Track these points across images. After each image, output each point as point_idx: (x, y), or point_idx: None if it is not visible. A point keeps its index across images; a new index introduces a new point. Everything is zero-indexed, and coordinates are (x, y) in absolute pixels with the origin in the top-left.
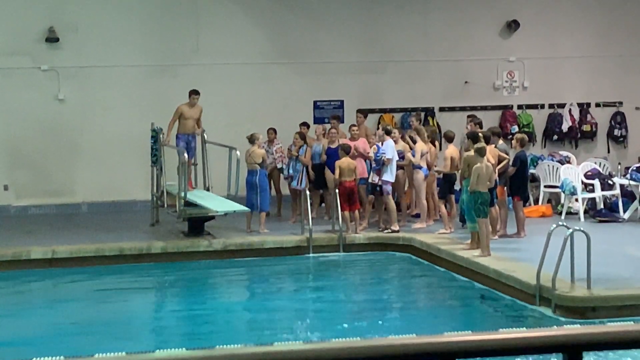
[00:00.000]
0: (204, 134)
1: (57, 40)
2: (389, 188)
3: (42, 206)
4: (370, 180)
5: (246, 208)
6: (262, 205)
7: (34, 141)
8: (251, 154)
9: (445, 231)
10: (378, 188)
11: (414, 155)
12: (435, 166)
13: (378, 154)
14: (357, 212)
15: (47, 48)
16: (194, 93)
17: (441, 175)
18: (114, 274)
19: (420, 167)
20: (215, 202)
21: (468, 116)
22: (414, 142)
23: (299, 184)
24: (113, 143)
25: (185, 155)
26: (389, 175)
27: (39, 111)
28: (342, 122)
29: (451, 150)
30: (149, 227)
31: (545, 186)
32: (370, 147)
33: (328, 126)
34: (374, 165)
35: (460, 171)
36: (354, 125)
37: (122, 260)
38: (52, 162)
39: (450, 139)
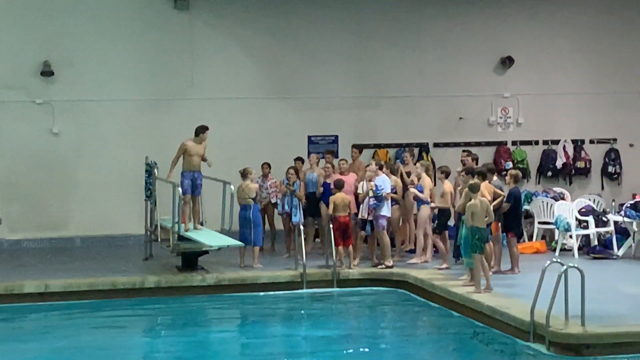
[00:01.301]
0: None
1: (52, 74)
2: (384, 223)
3: (35, 240)
4: (360, 217)
5: (240, 242)
6: (256, 240)
7: (28, 174)
8: (244, 189)
9: (445, 266)
10: (368, 223)
11: (421, 191)
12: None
13: (378, 190)
14: (351, 247)
15: (42, 82)
16: (206, 129)
17: (437, 211)
18: (107, 309)
19: (427, 203)
20: (209, 237)
21: (463, 151)
22: (406, 176)
23: (299, 220)
24: (107, 177)
25: (180, 189)
26: (386, 210)
27: (34, 145)
28: (337, 157)
29: (449, 185)
30: (143, 262)
31: (539, 222)
32: (360, 182)
33: (320, 155)
34: (373, 201)
35: (457, 206)
36: (342, 160)
37: (115, 294)
38: (46, 195)
39: (447, 174)
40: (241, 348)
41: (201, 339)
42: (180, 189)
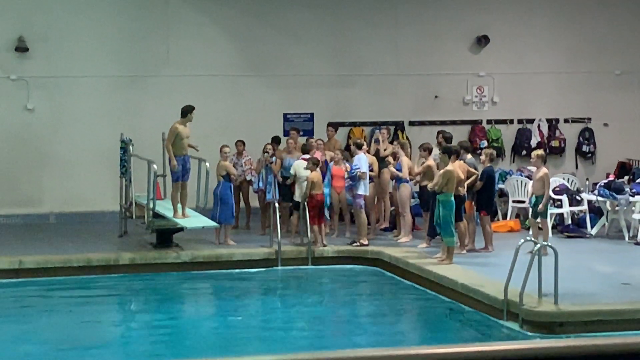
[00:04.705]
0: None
1: (26, 49)
2: (361, 202)
3: (9, 216)
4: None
5: (215, 224)
6: (221, 217)
7: (1, 151)
8: (218, 167)
9: (427, 245)
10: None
11: (399, 169)
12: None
13: (352, 170)
14: (322, 225)
15: (16, 57)
16: (193, 109)
17: (418, 188)
18: (81, 285)
19: (407, 181)
20: (189, 218)
21: (439, 132)
22: (383, 152)
23: (273, 196)
24: (82, 153)
25: (155, 166)
26: (363, 189)
27: (8, 121)
28: (312, 135)
29: (432, 162)
30: (117, 238)
31: (513, 201)
32: (335, 161)
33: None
34: (348, 182)
35: (432, 185)
36: (290, 139)
37: (89, 271)
38: (20, 172)
39: (430, 151)
40: (215, 325)
41: (176, 315)
42: (155, 166)
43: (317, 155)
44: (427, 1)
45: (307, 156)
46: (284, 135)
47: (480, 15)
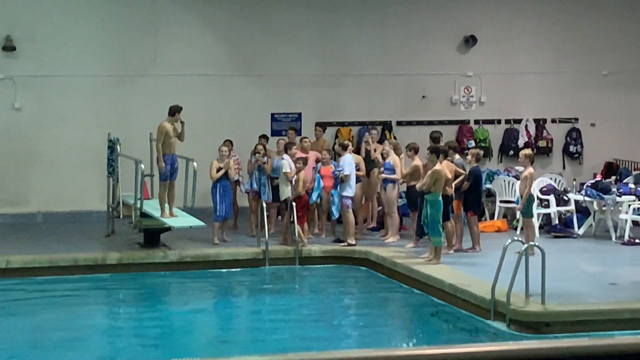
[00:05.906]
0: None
1: (14, 49)
2: (348, 202)
3: None
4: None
5: (202, 223)
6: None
7: None
8: None
9: (414, 244)
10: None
11: (390, 170)
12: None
13: (335, 172)
14: (305, 224)
15: (3, 57)
16: (180, 109)
17: (405, 188)
18: (68, 285)
19: (393, 182)
20: (176, 218)
21: (434, 132)
22: (374, 152)
23: (268, 197)
24: (69, 153)
25: (142, 166)
26: (349, 190)
27: None
28: (300, 134)
29: (419, 162)
30: (105, 238)
31: (500, 201)
32: (323, 161)
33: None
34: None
35: (421, 185)
36: (306, 137)
37: (76, 270)
38: (7, 171)
39: (416, 151)
40: (202, 325)
41: (163, 315)
42: (142, 165)
43: (299, 155)
44: (415, 1)
45: (285, 156)
46: (272, 135)
47: (467, 15)
